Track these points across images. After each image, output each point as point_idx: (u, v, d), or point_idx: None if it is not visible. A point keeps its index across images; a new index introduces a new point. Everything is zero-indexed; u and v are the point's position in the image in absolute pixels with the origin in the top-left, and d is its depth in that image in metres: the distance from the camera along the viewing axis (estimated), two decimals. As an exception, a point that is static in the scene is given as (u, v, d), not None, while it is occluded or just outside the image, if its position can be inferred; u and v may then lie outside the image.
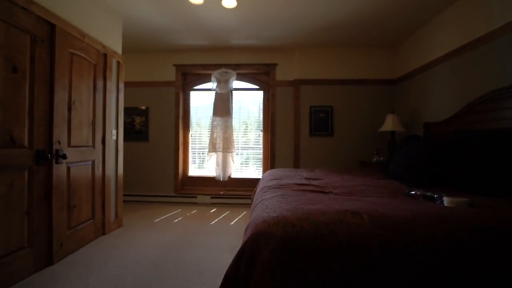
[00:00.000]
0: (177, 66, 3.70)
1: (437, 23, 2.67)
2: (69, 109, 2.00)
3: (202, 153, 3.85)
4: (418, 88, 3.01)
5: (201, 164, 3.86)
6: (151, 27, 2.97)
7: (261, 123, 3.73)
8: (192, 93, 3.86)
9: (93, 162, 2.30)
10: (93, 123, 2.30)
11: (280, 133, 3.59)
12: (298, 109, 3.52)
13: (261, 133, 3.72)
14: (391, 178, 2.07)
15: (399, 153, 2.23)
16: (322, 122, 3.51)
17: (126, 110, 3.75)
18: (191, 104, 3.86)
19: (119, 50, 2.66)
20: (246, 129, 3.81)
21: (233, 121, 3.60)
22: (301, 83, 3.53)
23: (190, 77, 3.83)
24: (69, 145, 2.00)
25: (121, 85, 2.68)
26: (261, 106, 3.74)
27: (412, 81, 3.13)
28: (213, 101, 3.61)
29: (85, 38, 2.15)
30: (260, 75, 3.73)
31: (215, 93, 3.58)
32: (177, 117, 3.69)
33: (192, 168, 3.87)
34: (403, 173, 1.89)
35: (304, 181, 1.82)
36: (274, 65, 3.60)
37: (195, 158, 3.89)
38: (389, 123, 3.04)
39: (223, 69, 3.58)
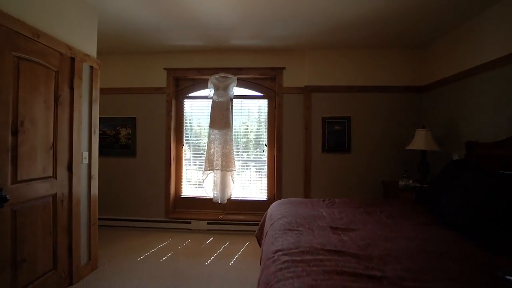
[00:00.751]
0: (169, 70, 3.19)
1: (485, 20, 2.17)
2: (15, 132, 1.50)
3: (198, 170, 3.35)
4: (454, 99, 2.51)
5: (197, 183, 3.36)
6: (136, 24, 2.47)
7: (266, 137, 3.24)
8: (186, 101, 3.35)
9: (54, 196, 1.80)
10: (54, 146, 1.79)
11: (288, 149, 3.09)
12: (309, 121, 3.02)
13: (266, 148, 3.23)
14: (440, 223, 1.57)
15: (444, 185, 1.72)
16: (337, 136, 3.01)
17: (110, 121, 3.25)
18: (185, 114, 3.35)
19: (92, 52, 2.15)
20: (248, 144, 3.31)
21: (233, 135, 3.10)
22: (313, 90, 3.02)
23: (183, 82, 3.32)
24: (14, 181, 1.50)
25: (96, 95, 2.18)
26: (266, 117, 3.25)
27: (445, 90, 2.63)
28: (209, 111, 3.12)
29: (41, 38, 1.64)
30: (265, 81, 3.23)
31: (212, 101, 3.08)
32: (168, 128, 3.18)
33: (186, 188, 3.37)
34: (466, 225, 1.39)
35: (331, 236, 1.32)
36: (281, 69, 3.10)
37: (189, 176, 3.38)
38: (420, 140, 2.55)
39: (222, 74, 3.07)
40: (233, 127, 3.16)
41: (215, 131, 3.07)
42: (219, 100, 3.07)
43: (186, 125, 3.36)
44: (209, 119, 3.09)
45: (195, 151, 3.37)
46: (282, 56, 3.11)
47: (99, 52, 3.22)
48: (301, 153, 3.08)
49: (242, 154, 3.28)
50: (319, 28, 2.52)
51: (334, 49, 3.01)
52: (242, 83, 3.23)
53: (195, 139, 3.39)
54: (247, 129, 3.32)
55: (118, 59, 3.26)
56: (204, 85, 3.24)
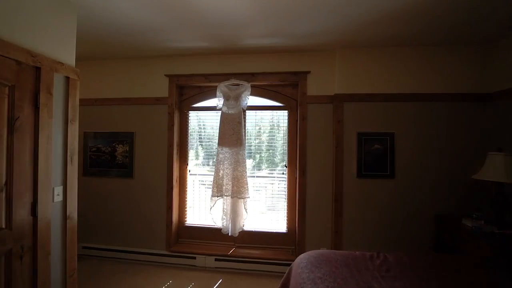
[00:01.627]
0: (171, 77, 2.72)
1: None
2: None
3: (205, 194, 2.85)
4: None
5: (204, 209, 2.86)
6: (128, 22, 2.00)
7: (285, 155, 2.68)
8: (191, 113, 2.87)
9: (9, 253, 1.35)
10: (8, 187, 1.34)
11: (314, 171, 2.52)
12: (341, 137, 2.43)
13: (286, 170, 2.67)
14: None
15: None
16: (377, 157, 2.40)
17: (105, 136, 2.83)
18: (190, 127, 2.87)
19: (68, 59, 1.69)
20: (263, 163, 2.76)
21: (246, 154, 2.57)
22: (345, 99, 2.43)
23: (188, 91, 2.83)
24: None
25: (74, 112, 1.72)
26: (286, 131, 2.69)
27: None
28: (218, 125, 2.61)
29: (-18, 42, 1.20)
30: (285, 88, 2.67)
31: (221, 113, 2.57)
32: (171, 145, 2.71)
33: (192, 212, 2.88)
34: None
35: None
36: (305, 73, 2.53)
37: (195, 202, 2.89)
38: (496, 169, 1.89)
39: (233, 81, 2.55)
40: (246, 144, 2.64)
41: (225, 150, 2.56)
42: (230, 112, 2.55)
43: (192, 140, 2.87)
44: (217, 135, 2.59)
45: (203, 167, 2.87)
46: (306, 58, 2.54)
47: (87, 58, 2.83)
48: (329, 178, 2.50)
49: (256, 175, 2.75)
50: (354, 21, 1.93)
51: (372, 48, 2.40)
52: (257, 91, 2.69)
53: (206, 153, 2.90)
54: (261, 145, 2.78)
55: (113, 65, 2.83)
56: (213, 94, 2.73)
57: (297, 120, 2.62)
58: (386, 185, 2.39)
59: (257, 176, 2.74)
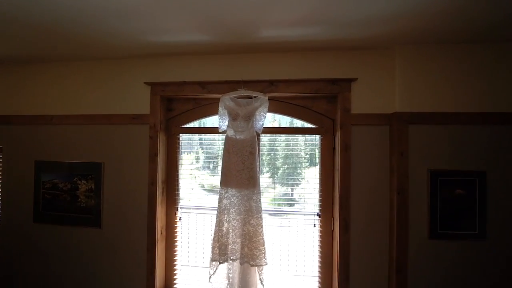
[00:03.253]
0: (153, 86, 1.92)
1: None
2: None
3: (204, 249, 2.04)
4: None
5: (200, 268, 2.04)
6: (87, 5, 1.21)
7: (317, 201, 1.87)
8: (184, 137, 2.06)
9: None
10: None
11: (361, 225, 1.71)
12: (405, 178, 1.63)
13: (318, 221, 1.86)
14: None
15: None
16: (458, 207, 1.60)
17: (63, 168, 2.03)
18: (181, 157, 2.06)
19: None
20: (284, 211, 1.95)
21: (262, 198, 1.77)
22: (411, 120, 1.63)
23: (179, 105, 2.02)
24: None
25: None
26: (318, 165, 1.89)
27: None
28: (221, 156, 1.81)
29: None
30: (317, 102, 1.87)
31: (226, 139, 1.77)
32: (153, 182, 1.90)
33: (184, 276, 2.06)
34: None
35: None
36: (349, 81, 1.73)
37: (190, 259, 2.07)
38: None
39: (243, 91, 1.75)
40: (262, 184, 1.83)
41: (231, 192, 1.75)
42: (238, 137, 1.75)
43: (184, 172, 2.06)
44: (220, 171, 1.78)
45: (194, 219, 2.06)
46: (351, 58, 1.74)
47: (32, 59, 1.97)
48: (385, 235, 1.70)
49: (274, 227, 1.93)
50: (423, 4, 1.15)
51: (454, 45, 1.61)
52: (276, 107, 1.89)
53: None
54: (284, 184, 1.98)
55: (72, 70, 2.03)
56: (214, 110, 1.94)
57: (334, 148, 1.83)
58: (474, 249, 1.59)
59: (275, 227, 1.94)
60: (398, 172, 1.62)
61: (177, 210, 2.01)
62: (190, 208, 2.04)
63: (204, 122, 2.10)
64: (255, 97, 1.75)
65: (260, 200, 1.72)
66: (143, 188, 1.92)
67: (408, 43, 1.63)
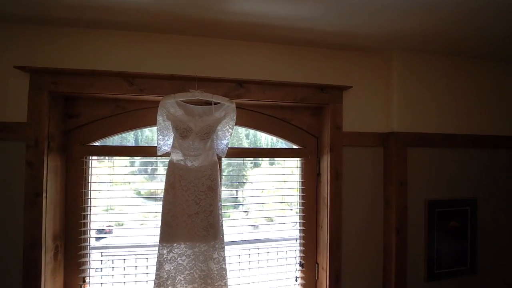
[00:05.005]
0: (35, 74, 1.09)
1: None
2: None
3: None
4: None
5: None
6: None
7: (298, 248, 1.41)
8: (96, 165, 1.28)
9: None
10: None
11: (353, 275, 1.35)
12: (404, 212, 1.34)
13: (299, 270, 1.40)
14: None
15: None
16: (453, 241, 1.41)
17: None
18: (91, 195, 1.28)
19: None
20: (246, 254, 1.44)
21: (225, 252, 1.20)
22: (409, 142, 1.35)
23: (86, 109, 1.21)
24: None
25: None
26: (298, 199, 1.43)
27: None
28: (162, 195, 1.15)
29: None
30: (300, 115, 1.40)
31: (170, 166, 1.13)
32: (34, 243, 1.09)
33: None
34: None
35: None
36: (340, 90, 1.34)
37: None
38: None
39: (197, 93, 1.14)
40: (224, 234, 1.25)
41: (179, 250, 1.11)
42: (190, 164, 1.13)
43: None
44: (160, 226, 1.12)
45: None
46: (344, 63, 1.35)
47: None
48: (379, 283, 1.38)
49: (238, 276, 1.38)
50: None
51: (452, 57, 1.40)
52: (243, 118, 1.34)
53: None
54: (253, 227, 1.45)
55: None
56: (149, 118, 1.25)
57: (318, 174, 1.41)
58: (467, 287, 1.43)
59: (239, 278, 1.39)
60: (397, 206, 1.32)
61: (85, 281, 1.22)
62: (116, 248, 1.29)
63: (138, 137, 1.39)
64: (216, 103, 1.17)
65: (224, 259, 1.15)
66: (15, 252, 1.08)
67: (408, 50, 1.34)
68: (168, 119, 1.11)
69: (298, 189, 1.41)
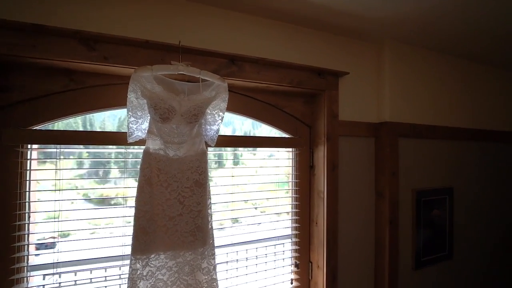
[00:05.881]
0: None
1: None
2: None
3: None
4: None
5: None
6: None
7: (291, 245, 1.29)
8: (37, 158, 0.97)
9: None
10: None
11: (348, 271, 1.29)
12: (396, 204, 1.32)
13: (293, 270, 1.28)
14: None
15: None
16: (435, 229, 1.46)
17: None
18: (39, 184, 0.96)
19: None
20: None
21: (215, 261, 1.00)
22: (401, 132, 1.35)
23: (23, 80, 0.89)
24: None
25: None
26: (292, 194, 1.31)
27: None
28: (136, 192, 0.91)
29: None
30: (294, 102, 1.27)
31: (145, 157, 0.89)
32: None
33: None
34: None
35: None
36: (337, 76, 1.26)
37: None
38: None
39: (181, 66, 0.92)
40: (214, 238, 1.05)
41: (158, 262, 0.89)
42: (172, 154, 0.92)
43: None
44: (132, 231, 0.88)
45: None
46: (341, 48, 1.28)
47: None
48: (370, 279, 1.35)
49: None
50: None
51: (439, 53, 1.44)
52: (233, 102, 1.16)
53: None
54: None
55: None
56: (116, 96, 0.98)
57: (311, 167, 1.31)
58: (445, 272, 1.49)
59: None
60: (390, 197, 1.30)
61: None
62: (64, 266, 0.98)
63: (91, 120, 1.10)
64: (206, 81, 0.97)
65: (215, 269, 0.96)
66: None
67: (398, 40, 1.34)
68: (144, 97, 0.88)
69: (291, 182, 1.29)
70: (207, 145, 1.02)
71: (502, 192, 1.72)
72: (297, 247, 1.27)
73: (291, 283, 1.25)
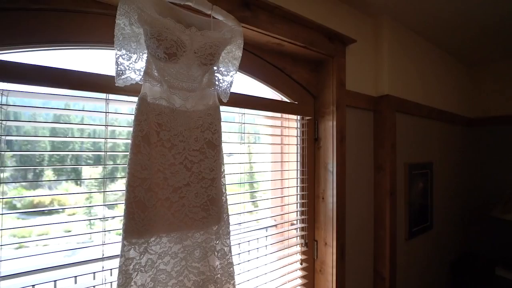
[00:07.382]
0: None
1: None
2: None
3: None
4: None
5: None
6: None
7: (300, 223, 1.17)
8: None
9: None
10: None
11: (357, 249, 1.24)
12: (394, 175, 1.33)
13: (303, 248, 1.15)
14: None
15: None
16: (421, 201, 1.54)
17: None
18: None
19: None
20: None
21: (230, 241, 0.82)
22: (399, 107, 1.37)
23: None
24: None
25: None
26: (298, 166, 1.19)
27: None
28: (129, 154, 0.66)
29: None
30: (299, 67, 1.15)
31: (140, 105, 0.66)
32: None
33: None
34: None
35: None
36: (344, 43, 1.19)
37: None
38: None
39: (193, 2, 0.72)
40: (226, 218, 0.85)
41: (160, 247, 0.66)
42: (179, 105, 0.70)
43: None
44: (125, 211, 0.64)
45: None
46: (349, 15, 1.23)
47: None
48: (370, 251, 1.33)
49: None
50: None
51: (434, 47, 1.52)
52: (245, 62, 0.97)
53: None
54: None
55: None
56: (97, 23, 0.71)
57: (316, 139, 1.23)
58: (428, 240, 1.60)
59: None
60: (391, 170, 1.30)
61: None
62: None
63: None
64: (217, 19, 0.78)
65: (230, 251, 0.77)
66: None
67: (396, 19, 1.36)
68: (141, 23, 0.64)
69: (298, 155, 1.18)
70: (221, 100, 0.83)
71: (470, 173, 1.97)
72: (305, 225, 1.16)
73: (301, 263, 1.13)
